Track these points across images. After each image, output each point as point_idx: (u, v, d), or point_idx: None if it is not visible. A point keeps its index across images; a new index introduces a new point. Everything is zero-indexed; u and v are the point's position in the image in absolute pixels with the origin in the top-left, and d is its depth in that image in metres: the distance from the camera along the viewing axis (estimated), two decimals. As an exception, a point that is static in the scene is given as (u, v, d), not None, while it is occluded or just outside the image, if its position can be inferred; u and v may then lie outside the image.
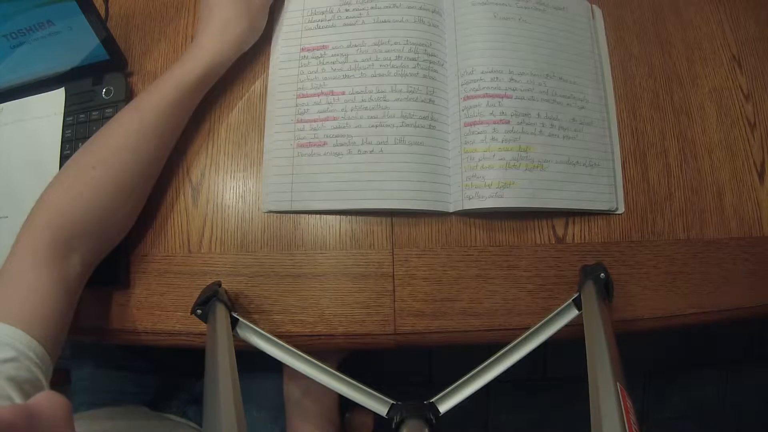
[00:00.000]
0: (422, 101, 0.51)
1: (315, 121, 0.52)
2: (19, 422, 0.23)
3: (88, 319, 0.50)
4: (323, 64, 0.54)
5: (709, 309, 0.50)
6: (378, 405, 0.40)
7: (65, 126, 0.54)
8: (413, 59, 0.52)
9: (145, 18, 0.59)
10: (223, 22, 0.51)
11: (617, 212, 0.52)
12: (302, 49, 0.55)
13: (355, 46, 0.53)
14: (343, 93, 0.52)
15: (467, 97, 0.51)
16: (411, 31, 0.53)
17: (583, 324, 0.40)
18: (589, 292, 0.42)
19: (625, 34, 0.57)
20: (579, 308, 0.43)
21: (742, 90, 0.56)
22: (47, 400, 0.25)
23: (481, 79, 0.51)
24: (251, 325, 0.45)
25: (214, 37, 0.50)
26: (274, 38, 0.56)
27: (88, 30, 0.51)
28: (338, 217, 0.51)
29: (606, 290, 0.43)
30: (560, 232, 0.51)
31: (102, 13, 0.56)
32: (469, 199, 0.49)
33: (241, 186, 0.53)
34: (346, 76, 0.53)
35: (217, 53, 0.50)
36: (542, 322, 0.43)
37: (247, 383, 0.61)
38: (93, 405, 0.64)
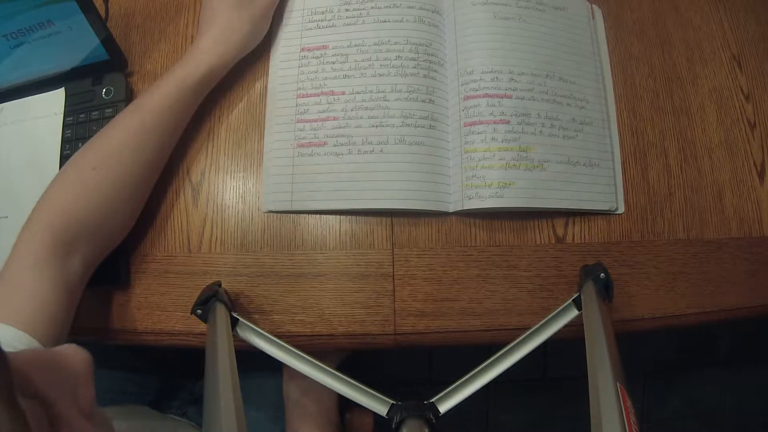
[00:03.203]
0: (422, 101, 0.51)
1: (315, 121, 0.52)
2: (42, 364, 0.23)
3: (88, 319, 0.50)
4: (323, 64, 0.54)
5: (709, 309, 0.50)
6: (378, 405, 0.40)
7: (65, 126, 0.54)
8: (413, 59, 0.52)
9: (145, 18, 0.59)
10: (226, 26, 0.50)
11: (617, 212, 0.52)
12: (302, 49, 0.55)
13: (356, 46, 0.53)
14: (343, 93, 0.52)
15: (467, 97, 0.51)
16: (411, 30, 0.53)
17: (583, 324, 0.40)
18: (589, 292, 0.42)
19: (625, 34, 0.57)
20: (579, 308, 0.43)
21: (742, 90, 0.56)
22: (72, 350, 0.26)
23: (481, 79, 0.51)
24: (251, 325, 0.45)
25: (215, 40, 0.50)
26: (274, 38, 0.56)
27: (88, 30, 0.51)
28: (338, 217, 0.51)
29: (606, 290, 0.43)
30: (560, 232, 0.51)
31: (102, 13, 0.56)
32: (469, 199, 0.49)
33: (241, 186, 0.53)
34: (346, 76, 0.53)
35: (218, 56, 0.50)
36: (542, 322, 0.43)
37: (247, 383, 0.61)
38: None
